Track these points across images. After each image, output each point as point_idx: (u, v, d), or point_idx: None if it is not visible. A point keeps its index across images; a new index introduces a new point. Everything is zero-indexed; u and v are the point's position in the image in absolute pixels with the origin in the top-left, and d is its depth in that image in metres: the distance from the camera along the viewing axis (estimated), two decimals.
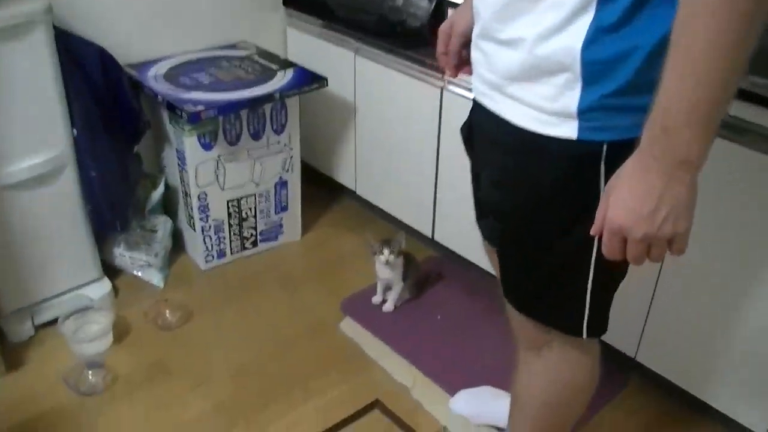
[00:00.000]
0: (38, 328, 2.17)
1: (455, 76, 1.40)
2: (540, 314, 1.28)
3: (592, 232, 1.00)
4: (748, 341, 1.69)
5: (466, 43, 1.28)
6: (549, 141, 1.04)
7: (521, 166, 1.12)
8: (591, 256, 1.12)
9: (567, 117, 1.02)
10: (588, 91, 0.99)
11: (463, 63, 1.36)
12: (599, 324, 1.25)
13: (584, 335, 1.24)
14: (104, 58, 2.16)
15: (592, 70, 0.98)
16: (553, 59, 0.99)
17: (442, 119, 2.24)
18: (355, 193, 2.78)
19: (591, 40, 0.96)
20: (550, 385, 1.38)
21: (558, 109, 1.02)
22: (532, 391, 1.41)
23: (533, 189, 1.11)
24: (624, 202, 0.94)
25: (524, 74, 1.04)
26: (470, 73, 1.22)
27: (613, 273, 1.17)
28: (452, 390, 1.98)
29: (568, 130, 1.03)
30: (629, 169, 0.94)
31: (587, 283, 1.16)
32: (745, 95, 1.47)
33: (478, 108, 1.20)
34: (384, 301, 2.31)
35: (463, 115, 2.09)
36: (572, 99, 1.01)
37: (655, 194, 0.91)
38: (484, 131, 1.21)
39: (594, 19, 0.95)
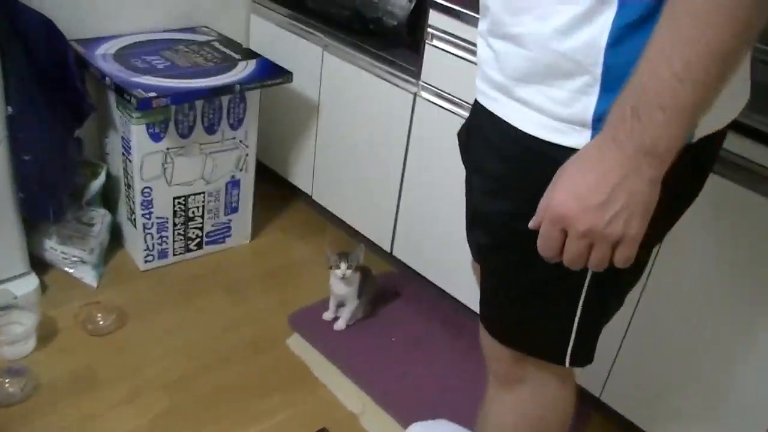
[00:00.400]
0: None
1: None
2: (519, 341, 1.19)
3: (530, 225, 0.93)
4: (715, 389, 1.67)
5: None
6: (556, 150, 0.95)
7: (520, 174, 1.03)
8: (585, 278, 1.04)
9: (579, 125, 0.93)
10: (606, 97, 0.90)
11: None
12: (585, 353, 1.17)
13: (566, 363, 1.16)
14: (50, 29, 2.04)
15: (614, 73, 0.89)
16: (571, 58, 0.90)
17: (412, 128, 2.15)
18: (310, 197, 2.67)
19: (615, 38, 0.87)
20: (524, 421, 1.30)
21: (570, 115, 0.94)
22: (503, 426, 1.32)
23: (529, 199, 1.01)
24: (571, 187, 0.86)
25: (536, 75, 0.95)
26: None
27: (607, 298, 1.11)
28: (405, 421, 1.88)
29: (580, 139, 0.93)
30: (585, 152, 0.87)
31: (577, 307, 1.08)
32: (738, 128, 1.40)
33: (478, 110, 1.11)
34: (336, 318, 2.20)
35: (436, 125, 2.03)
36: (588, 105, 0.92)
37: (609, 184, 0.83)
38: (482, 134, 1.12)
39: (617, 14, 0.86)
